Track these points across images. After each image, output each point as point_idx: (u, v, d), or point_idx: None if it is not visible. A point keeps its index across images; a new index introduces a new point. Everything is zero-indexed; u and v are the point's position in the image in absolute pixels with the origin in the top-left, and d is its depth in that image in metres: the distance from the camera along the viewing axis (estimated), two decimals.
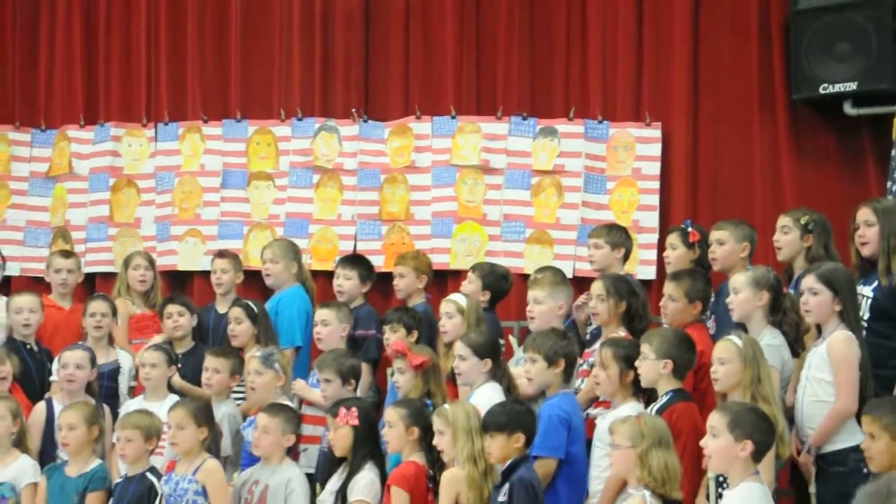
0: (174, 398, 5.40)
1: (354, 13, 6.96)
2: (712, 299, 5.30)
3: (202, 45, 7.09)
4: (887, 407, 4.02)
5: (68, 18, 7.23)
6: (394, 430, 4.74)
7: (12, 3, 7.29)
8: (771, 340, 4.67)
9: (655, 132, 6.64)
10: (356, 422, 4.76)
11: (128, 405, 5.66)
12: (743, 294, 4.82)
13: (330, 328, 5.70)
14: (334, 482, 4.80)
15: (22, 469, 5.12)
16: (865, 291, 4.80)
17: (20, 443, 5.21)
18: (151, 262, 6.52)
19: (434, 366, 5.09)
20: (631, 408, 4.57)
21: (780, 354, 4.71)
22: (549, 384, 4.76)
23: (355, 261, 6.33)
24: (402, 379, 5.09)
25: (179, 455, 4.93)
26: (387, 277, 6.43)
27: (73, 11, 7.22)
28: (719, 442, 3.81)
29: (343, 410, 4.77)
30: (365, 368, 5.61)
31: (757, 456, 3.79)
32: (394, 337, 5.47)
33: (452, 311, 5.41)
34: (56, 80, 7.26)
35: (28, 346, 5.97)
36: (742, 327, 4.79)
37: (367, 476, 4.71)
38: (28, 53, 7.28)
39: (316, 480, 5.06)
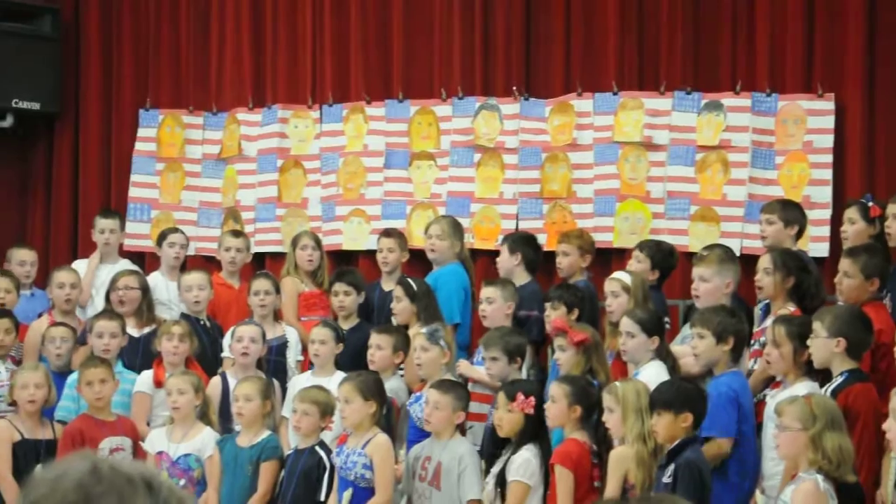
0: (341, 375, 5.51)
1: None
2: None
3: (365, 27, 7.19)
4: None
5: (237, 5, 7.44)
6: (556, 405, 4.72)
7: None
8: None
9: (828, 104, 6.39)
10: (532, 411, 4.76)
11: (296, 380, 5.80)
12: None
13: (495, 306, 5.71)
14: (498, 465, 4.82)
15: (205, 441, 5.28)
16: None
17: (203, 415, 5.39)
18: (318, 242, 6.66)
19: (596, 343, 5.06)
20: (804, 387, 4.42)
21: None
22: (717, 361, 4.67)
23: (518, 238, 6.34)
24: (563, 356, 5.07)
25: (349, 429, 5.03)
26: (549, 256, 6.41)
27: None
28: None
29: (521, 397, 4.76)
30: (527, 349, 5.60)
31: None
32: (555, 314, 5.45)
33: (618, 290, 5.35)
34: (226, 66, 7.48)
35: (202, 323, 6.20)
36: None
37: (522, 455, 4.71)
38: (201, 41, 7.52)
39: (482, 458, 5.08)
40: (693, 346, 4.74)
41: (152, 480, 1.55)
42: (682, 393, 4.31)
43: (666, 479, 4.18)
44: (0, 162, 7.76)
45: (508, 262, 6.12)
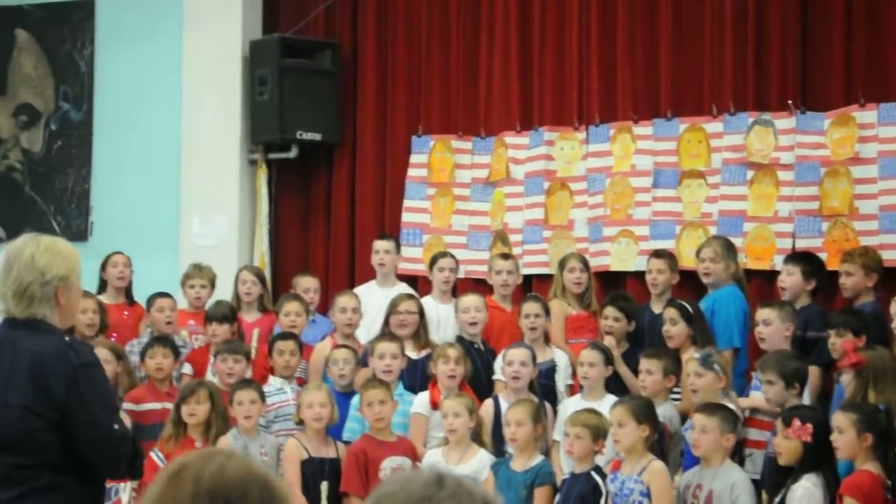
0: (612, 398, 5.46)
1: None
2: None
3: (632, 45, 7.10)
4: None
5: (506, 30, 7.53)
6: (844, 435, 4.52)
7: (456, 20, 7.70)
8: None
9: None
10: (809, 438, 4.56)
11: (566, 403, 5.79)
12: None
13: (772, 328, 5.51)
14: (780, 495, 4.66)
15: (481, 463, 5.34)
16: None
17: (476, 437, 5.47)
18: (586, 264, 6.63)
19: (882, 368, 4.80)
20: None
21: None
22: None
23: (798, 257, 6.11)
24: (844, 380, 4.90)
25: (622, 453, 4.97)
26: (830, 276, 6.11)
27: (510, 23, 7.49)
28: None
29: (797, 423, 4.59)
30: (815, 372, 5.37)
31: None
32: (839, 342, 5.21)
33: None
34: (494, 90, 7.57)
35: (476, 346, 6.28)
36: None
37: (803, 486, 4.55)
38: (470, 67, 7.65)
39: (761, 487, 4.91)
40: None
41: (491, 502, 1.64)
42: None
43: None
44: (286, 192, 8.20)
45: (800, 286, 5.90)
